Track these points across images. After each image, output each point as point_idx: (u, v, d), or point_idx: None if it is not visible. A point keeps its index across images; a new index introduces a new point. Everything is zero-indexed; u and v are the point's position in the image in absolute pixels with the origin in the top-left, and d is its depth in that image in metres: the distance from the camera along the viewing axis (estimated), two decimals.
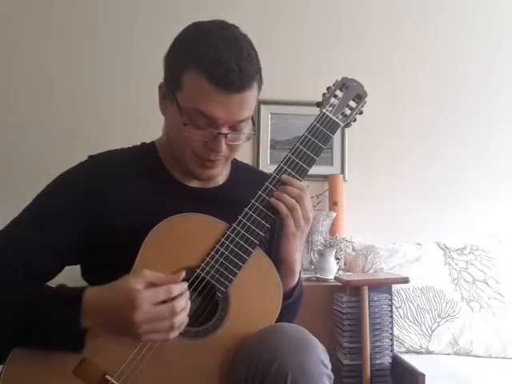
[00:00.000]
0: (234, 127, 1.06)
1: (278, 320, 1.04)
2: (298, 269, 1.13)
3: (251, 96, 1.05)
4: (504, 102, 2.42)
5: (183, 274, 0.93)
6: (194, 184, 1.16)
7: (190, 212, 1.05)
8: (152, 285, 0.89)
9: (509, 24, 2.45)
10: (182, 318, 0.91)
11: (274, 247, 1.17)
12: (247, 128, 1.09)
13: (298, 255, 1.11)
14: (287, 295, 1.12)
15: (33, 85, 2.17)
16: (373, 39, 2.36)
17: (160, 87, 1.12)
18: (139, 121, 2.08)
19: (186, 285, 0.93)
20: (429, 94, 2.38)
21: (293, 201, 1.05)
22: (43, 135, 2.14)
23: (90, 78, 2.20)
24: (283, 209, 1.05)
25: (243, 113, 1.05)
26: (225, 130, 1.04)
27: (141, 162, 1.15)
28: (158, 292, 0.89)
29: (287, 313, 1.12)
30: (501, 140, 2.40)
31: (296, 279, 1.14)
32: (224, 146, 1.06)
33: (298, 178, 1.08)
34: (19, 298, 0.94)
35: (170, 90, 1.07)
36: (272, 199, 1.05)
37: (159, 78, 1.13)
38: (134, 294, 0.87)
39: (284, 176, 1.08)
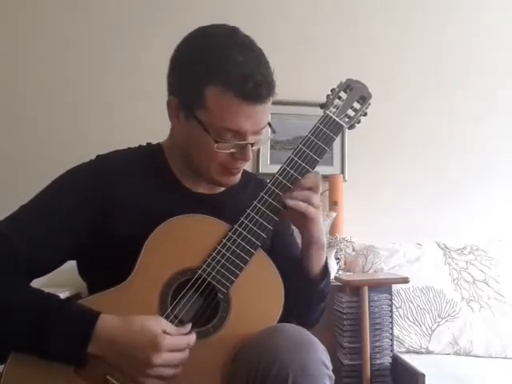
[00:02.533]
0: (257, 133, 1.07)
1: (315, 303, 1.14)
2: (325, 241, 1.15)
3: (271, 101, 1.06)
4: (504, 102, 2.42)
5: (190, 325, 0.96)
6: (199, 190, 1.16)
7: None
8: (166, 333, 0.92)
9: (509, 25, 2.46)
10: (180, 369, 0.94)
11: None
12: (265, 129, 1.10)
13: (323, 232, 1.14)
14: (324, 271, 1.14)
15: (39, 85, 2.18)
16: (374, 40, 2.36)
17: (170, 102, 1.08)
18: (144, 121, 2.08)
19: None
20: (429, 94, 2.38)
21: (306, 194, 1.05)
22: (48, 135, 2.15)
23: (91, 77, 2.20)
24: (302, 206, 1.05)
25: (266, 119, 1.08)
26: (251, 140, 1.05)
27: (147, 163, 1.15)
28: (180, 342, 0.93)
29: (327, 291, 1.16)
30: (501, 140, 2.40)
31: (325, 253, 1.15)
32: (251, 154, 1.07)
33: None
34: (24, 306, 0.94)
35: (186, 106, 1.06)
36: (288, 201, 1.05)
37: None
38: (158, 339, 0.90)
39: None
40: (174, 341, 0.92)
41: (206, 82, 1.02)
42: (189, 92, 1.04)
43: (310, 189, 1.06)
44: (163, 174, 1.14)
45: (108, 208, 1.05)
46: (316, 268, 1.13)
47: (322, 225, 1.12)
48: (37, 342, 0.91)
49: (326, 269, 1.15)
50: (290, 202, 1.04)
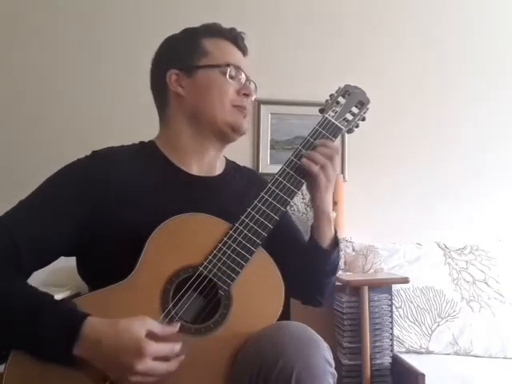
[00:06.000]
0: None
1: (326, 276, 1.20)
2: (331, 215, 1.20)
3: None
4: (503, 102, 2.43)
5: (179, 325, 0.95)
6: (195, 172, 1.20)
7: (193, 201, 1.08)
8: (152, 333, 0.90)
9: (504, 24, 2.47)
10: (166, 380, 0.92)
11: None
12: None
13: (331, 204, 1.18)
14: (334, 242, 1.18)
15: (37, 85, 2.18)
16: (373, 40, 2.36)
17: (170, 75, 1.18)
18: (140, 121, 2.08)
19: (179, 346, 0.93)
20: (428, 94, 2.39)
21: (323, 159, 1.10)
22: (45, 135, 2.15)
23: (90, 77, 2.21)
24: (315, 168, 1.09)
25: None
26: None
27: (142, 155, 1.19)
28: (163, 348, 0.90)
29: (337, 263, 1.21)
30: (501, 140, 2.41)
31: (333, 226, 1.20)
32: (253, 90, 1.23)
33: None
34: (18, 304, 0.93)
35: (188, 65, 1.18)
36: (304, 160, 1.10)
37: None
38: (142, 344, 0.88)
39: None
40: (158, 347, 0.89)
41: (200, 37, 1.20)
42: (188, 51, 1.19)
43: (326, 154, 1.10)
44: (159, 161, 1.18)
45: (106, 200, 1.06)
46: (326, 239, 1.17)
47: (330, 197, 1.15)
48: (27, 344, 0.91)
49: (335, 241, 1.18)
50: (305, 161, 1.09)
